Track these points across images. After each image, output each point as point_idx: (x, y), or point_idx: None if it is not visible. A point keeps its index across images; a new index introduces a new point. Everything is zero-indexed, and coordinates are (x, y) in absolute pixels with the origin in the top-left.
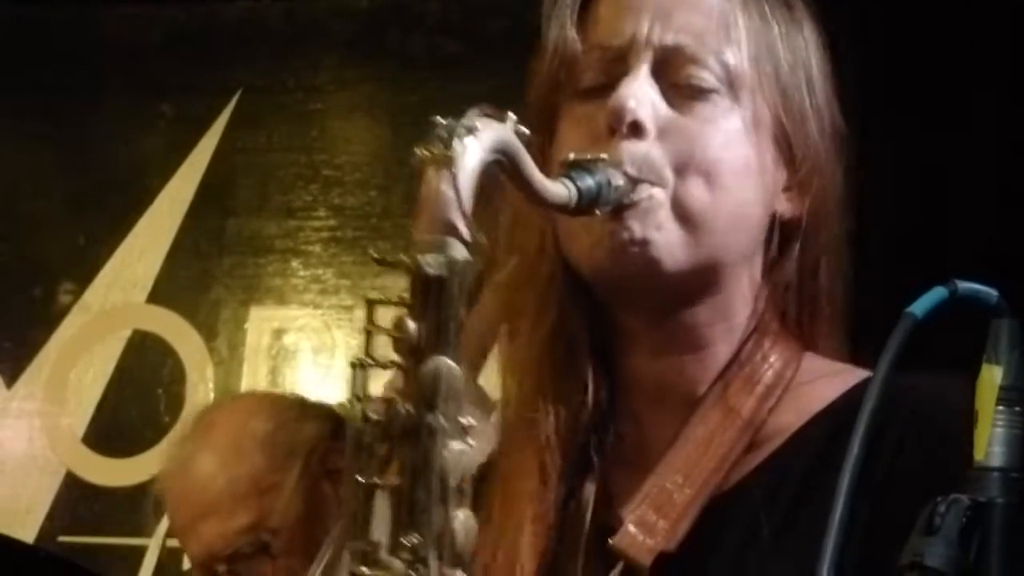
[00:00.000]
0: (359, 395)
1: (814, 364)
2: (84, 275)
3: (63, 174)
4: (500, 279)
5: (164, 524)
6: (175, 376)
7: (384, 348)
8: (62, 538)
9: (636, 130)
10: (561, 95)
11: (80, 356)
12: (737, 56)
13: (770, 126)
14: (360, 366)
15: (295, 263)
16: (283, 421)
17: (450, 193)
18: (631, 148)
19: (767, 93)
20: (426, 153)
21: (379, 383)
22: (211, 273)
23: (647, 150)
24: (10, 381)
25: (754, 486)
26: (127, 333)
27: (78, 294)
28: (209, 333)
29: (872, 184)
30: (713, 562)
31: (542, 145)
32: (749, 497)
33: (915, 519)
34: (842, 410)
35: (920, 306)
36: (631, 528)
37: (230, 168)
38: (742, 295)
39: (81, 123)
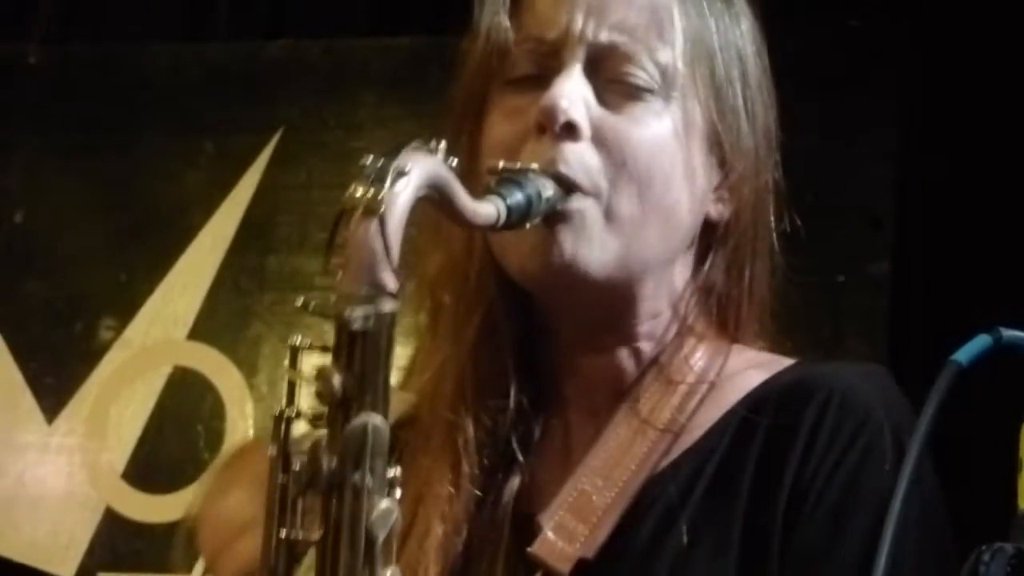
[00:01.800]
0: (282, 447)
1: (741, 357)
2: (125, 311)
3: (105, 211)
4: (425, 277)
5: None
6: (215, 412)
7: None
8: (101, 574)
9: (570, 131)
10: (492, 82)
11: (120, 392)
12: (672, 55)
13: (702, 127)
14: (283, 418)
15: None
16: None
17: (378, 244)
18: (565, 150)
19: (701, 94)
20: (354, 197)
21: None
22: (252, 310)
23: (582, 153)
24: (51, 417)
25: (670, 484)
26: (168, 369)
27: (119, 330)
28: (249, 370)
29: (913, 226)
30: (631, 565)
31: (472, 132)
32: (666, 496)
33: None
34: (757, 399)
35: (965, 353)
36: (550, 535)
37: (271, 205)
38: (669, 295)
39: (123, 160)
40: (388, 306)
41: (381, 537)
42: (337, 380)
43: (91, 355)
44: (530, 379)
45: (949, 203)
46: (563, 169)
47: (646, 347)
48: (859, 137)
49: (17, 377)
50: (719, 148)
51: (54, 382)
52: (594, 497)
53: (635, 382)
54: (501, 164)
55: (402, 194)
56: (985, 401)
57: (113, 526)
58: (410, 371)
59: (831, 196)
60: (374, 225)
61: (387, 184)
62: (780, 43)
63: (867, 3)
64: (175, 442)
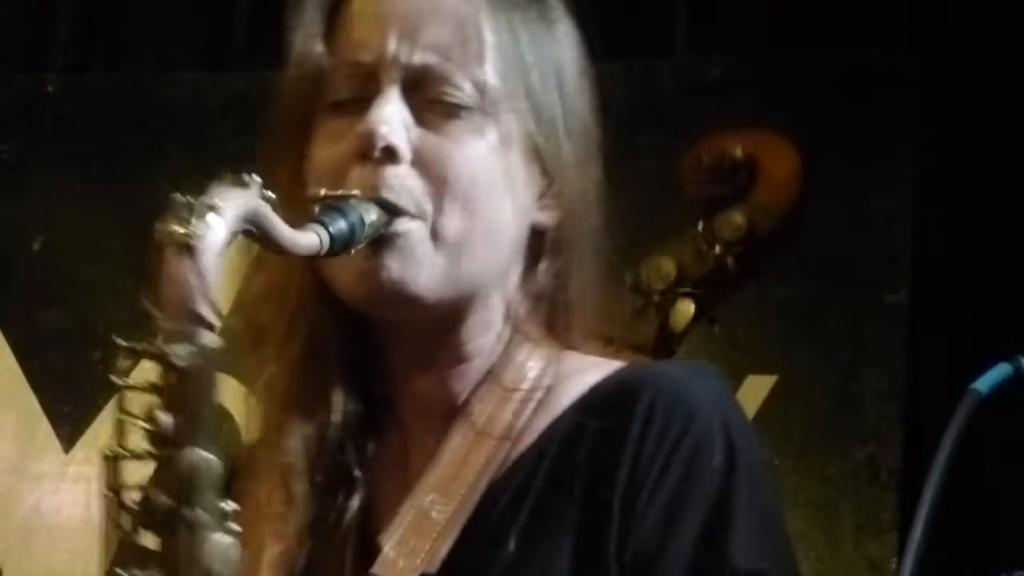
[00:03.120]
0: (113, 486)
1: (573, 363)
2: (143, 340)
3: (123, 239)
4: (245, 297)
5: None
6: (232, 441)
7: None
8: None
9: (391, 155)
10: (312, 107)
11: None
12: (485, 72)
13: (522, 139)
14: (113, 457)
15: None
16: None
17: (194, 279)
18: (386, 175)
19: (517, 107)
20: (166, 232)
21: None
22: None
23: (403, 176)
24: (68, 446)
25: (501, 493)
26: None
27: (136, 359)
28: None
29: (931, 255)
30: None
31: (295, 157)
32: (501, 501)
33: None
34: (586, 401)
35: (985, 382)
36: (391, 554)
37: None
38: (499, 307)
39: (143, 189)
40: (209, 340)
41: (222, 572)
42: (165, 418)
43: (108, 384)
44: (359, 396)
45: (966, 232)
46: (386, 194)
47: (479, 361)
48: (876, 167)
49: (34, 406)
50: (540, 158)
51: (71, 411)
52: (433, 513)
53: (470, 395)
54: (323, 192)
55: (215, 226)
56: (1005, 430)
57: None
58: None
59: (848, 226)
60: (188, 260)
61: (198, 220)
62: (798, 75)
63: (885, 34)
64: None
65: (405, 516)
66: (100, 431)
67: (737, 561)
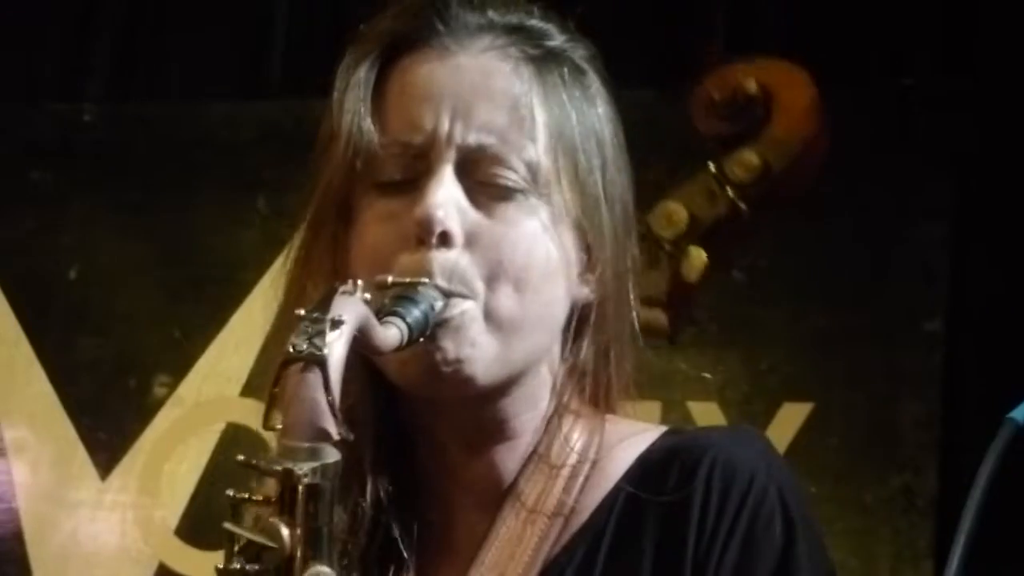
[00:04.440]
0: None
1: (616, 428)
2: (179, 368)
3: (159, 267)
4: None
5: None
6: None
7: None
8: None
9: (445, 240)
10: (356, 183)
11: (174, 448)
12: (537, 152)
13: (568, 217)
14: (226, 572)
15: None
16: None
17: (322, 398)
18: (441, 260)
19: (565, 185)
20: (293, 351)
21: None
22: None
23: (456, 260)
24: (104, 473)
25: (567, 567)
26: (221, 426)
27: (173, 387)
28: None
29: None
30: None
31: (335, 232)
32: None
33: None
34: (640, 472)
35: (1022, 412)
36: None
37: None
38: (545, 382)
39: (178, 218)
40: (332, 457)
41: None
42: (284, 534)
43: (145, 412)
44: (397, 476)
45: (1003, 259)
46: (440, 279)
47: (526, 437)
48: (913, 196)
49: (71, 433)
50: (583, 235)
51: (108, 438)
52: None
53: (518, 473)
54: (390, 279)
55: (338, 343)
56: None
57: None
58: None
59: (885, 254)
60: (315, 378)
61: (325, 336)
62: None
63: (921, 61)
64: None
65: None
66: (136, 458)
67: None
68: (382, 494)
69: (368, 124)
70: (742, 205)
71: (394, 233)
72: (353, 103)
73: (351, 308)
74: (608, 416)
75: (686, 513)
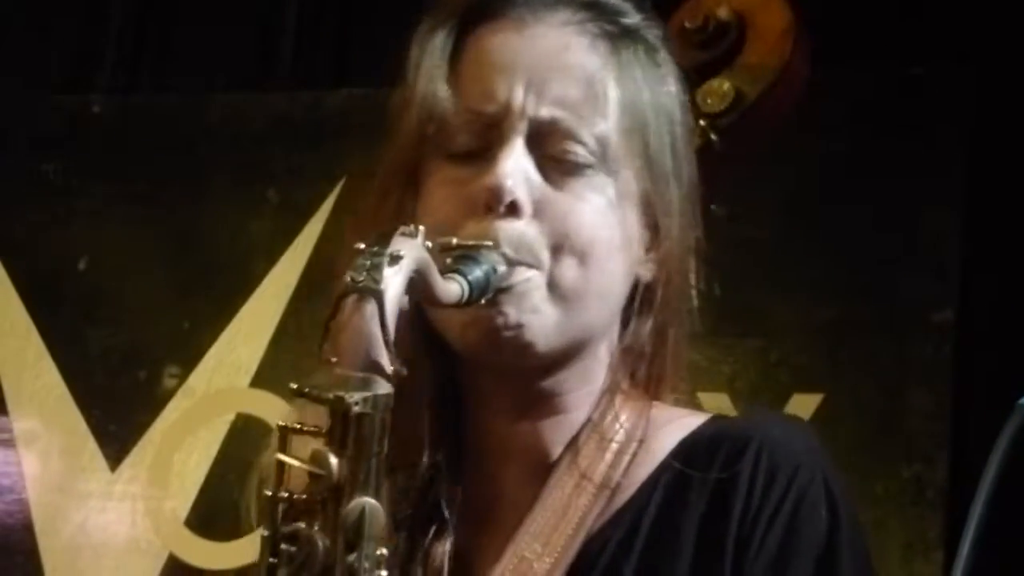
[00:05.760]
0: (273, 528)
1: (662, 414)
2: (189, 359)
3: (169, 259)
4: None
5: None
6: None
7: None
8: None
9: (513, 209)
10: (425, 148)
11: (184, 440)
12: (608, 128)
13: (637, 195)
14: (274, 499)
15: None
16: None
17: (376, 330)
18: (508, 228)
19: (635, 163)
20: (351, 282)
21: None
22: (315, 358)
23: (523, 230)
24: (114, 464)
25: (610, 540)
26: (231, 417)
27: (183, 378)
28: None
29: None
30: None
31: (401, 198)
32: (606, 556)
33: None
34: (687, 452)
35: None
36: None
37: (334, 254)
38: (602, 361)
39: (187, 209)
40: (384, 389)
41: None
42: (334, 463)
43: (154, 403)
44: (449, 441)
45: (1013, 250)
46: (506, 247)
47: (577, 413)
48: (923, 185)
49: (81, 425)
50: (651, 213)
51: (117, 430)
52: (535, 564)
53: (569, 444)
54: (455, 241)
55: (395, 278)
56: None
57: (176, 573)
58: None
59: (894, 245)
60: (371, 309)
61: (383, 269)
62: (845, 91)
63: (931, 50)
64: (238, 489)
65: (507, 566)
66: (146, 450)
67: None
68: (438, 460)
69: (443, 90)
70: (713, 136)
71: (462, 200)
72: (428, 69)
73: (411, 247)
74: (656, 402)
75: (731, 492)
